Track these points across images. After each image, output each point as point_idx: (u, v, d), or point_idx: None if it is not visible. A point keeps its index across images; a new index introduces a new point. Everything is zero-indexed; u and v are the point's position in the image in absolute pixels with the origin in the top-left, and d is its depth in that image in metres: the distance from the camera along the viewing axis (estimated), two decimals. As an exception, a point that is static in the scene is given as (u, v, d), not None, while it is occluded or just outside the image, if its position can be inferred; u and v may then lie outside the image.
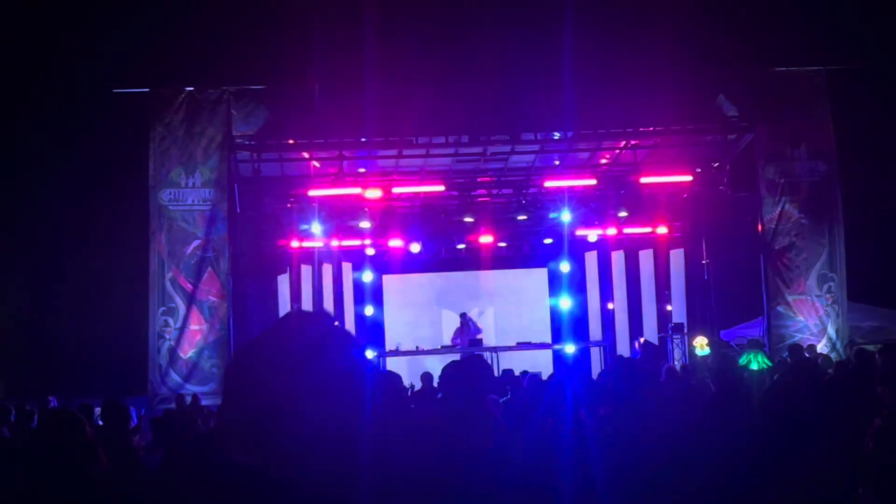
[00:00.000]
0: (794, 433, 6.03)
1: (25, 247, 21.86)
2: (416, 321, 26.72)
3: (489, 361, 22.29)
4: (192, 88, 19.22)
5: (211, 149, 19.15)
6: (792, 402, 6.32)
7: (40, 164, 21.14)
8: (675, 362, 21.90)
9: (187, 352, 18.73)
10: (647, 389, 7.23)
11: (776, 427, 6.15)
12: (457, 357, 23.04)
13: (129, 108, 19.27)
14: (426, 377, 16.49)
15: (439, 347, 24.25)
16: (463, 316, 24.92)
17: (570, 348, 24.45)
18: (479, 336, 24.07)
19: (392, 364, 24.58)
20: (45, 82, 20.08)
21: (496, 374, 21.11)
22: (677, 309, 24.53)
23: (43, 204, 21.74)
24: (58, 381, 20.70)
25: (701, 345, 20.67)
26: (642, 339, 23.73)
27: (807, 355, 16.28)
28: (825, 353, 18.36)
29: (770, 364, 16.41)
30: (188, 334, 18.77)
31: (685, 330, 23.10)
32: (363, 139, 20.40)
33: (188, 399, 16.97)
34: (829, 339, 19.32)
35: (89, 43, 19.24)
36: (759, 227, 19.95)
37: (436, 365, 21.43)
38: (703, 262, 23.03)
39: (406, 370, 24.12)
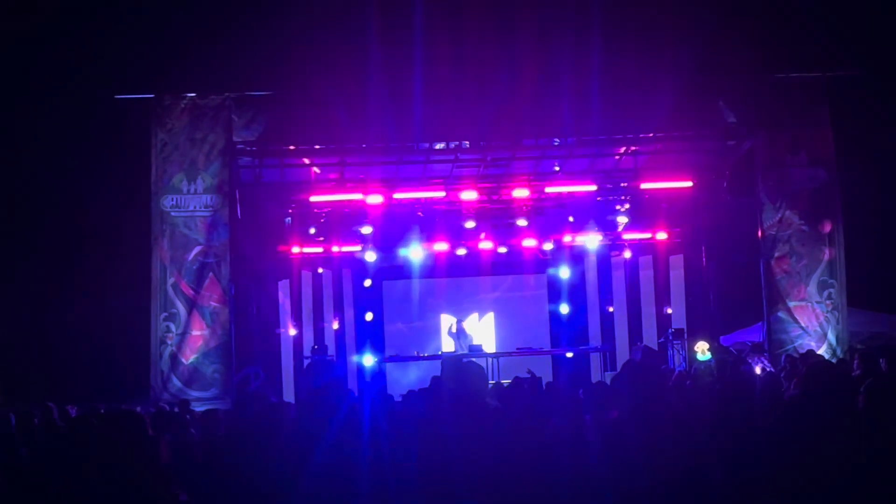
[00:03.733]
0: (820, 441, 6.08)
1: (26, 252, 21.85)
2: (416, 327, 26.77)
3: (487, 367, 22.45)
4: (193, 95, 19.28)
5: (212, 155, 19.19)
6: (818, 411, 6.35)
7: (41, 169, 21.15)
8: (676, 367, 21.94)
9: (189, 357, 18.76)
10: (659, 394, 7.26)
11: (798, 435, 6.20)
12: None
13: (131, 114, 19.31)
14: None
15: (439, 353, 24.29)
16: (458, 322, 24.95)
17: (569, 354, 24.52)
18: (471, 343, 24.12)
19: (392, 369, 24.66)
20: (47, 88, 20.09)
21: (497, 379, 21.21)
22: (677, 314, 24.56)
23: (43, 209, 21.76)
24: (58, 387, 20.70)
25: (702, 350, 20.67)
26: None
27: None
28: (826, 358, 18.40)
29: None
30: (190, 340, 18.80)
31: (685, 335, 23.14)
32: (364, 145, 20.44)
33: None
34: (830, 345, 19.36)
35: (91, 48, 19.27)
36: (759, 234, 19.98)
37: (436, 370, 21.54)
38: (703, 266, 23.10)
39: (406, 375, 24.17)
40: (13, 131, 20.40)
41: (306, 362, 23.11)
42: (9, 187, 21.07)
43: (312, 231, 22.37)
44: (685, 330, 23.35)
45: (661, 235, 24.04)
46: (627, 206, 22.75)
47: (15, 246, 21.64)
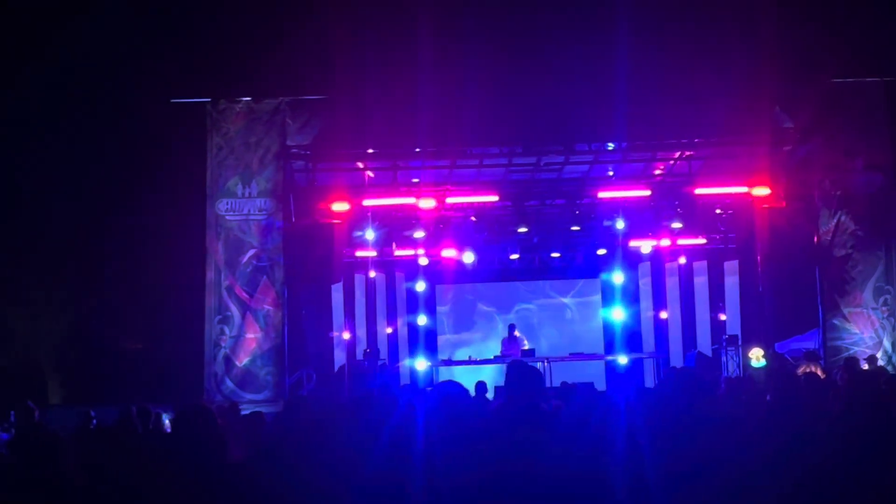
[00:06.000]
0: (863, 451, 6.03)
1: (85, 254, 22.09)
2: (469, 331, 26.77)
3: (542, 372, 22.36)
4: (248, 99, 19.44)
5: (267, 159, 19.35)
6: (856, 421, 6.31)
7: (99, 172, 21.36)
8: (730, 374, 21.77)
9: (242, 360, 18.91)
10: (704, 401, 7.22)
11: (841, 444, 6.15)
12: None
13: (188, 119, 19.48)
14: (479, 386, 16.51)
15: (492, 357, 24.24)
16: (510, 328, 24.84)
17: (623, 360, 24.36)
18: (524, 348, 23.97)
19: (444, 374, 24.63)
20: (105, 92, 20.30)
21: (549, 384, 21.13)
22: (731, 320, 24.36)
23: (101, 212, 21.97)
24: (114, 388, 20.91)
25: (757, 356, 20.51)
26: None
27: (865, 367, 16.17)
28: (881, 365, 18.24)
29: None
30: (244, 342, 18.94)
31: (739, 342, 22.95)
32: (417, 149, 20.49)
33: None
34: (885, 352, 19.16)
35: (148, 53, 19.46)
36: (815, 239, 19.81)
37: (488, 374, 21.53)
38: (758, 272, 22.89)
39: (458, 380, 24.15)
40: (72, 136, 20.62)
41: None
42: (65, 190, 21.30)
43: (370, 235, 22.32)
44: (739, 336, 23.17)
45: (716, 241, 23.87)
46: (681, 210, 22.56)
47: (73, 248, 21.87)
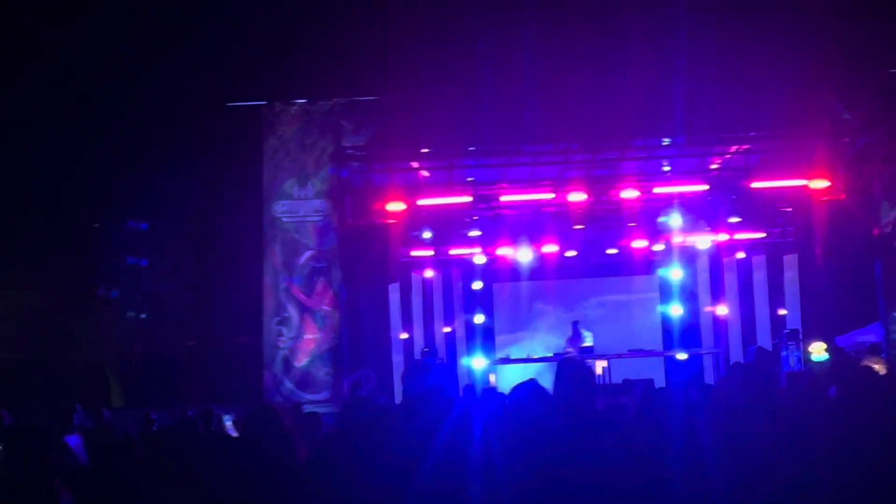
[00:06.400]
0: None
1: (142, 259, 22.31)
2: (526, 329, 26.70)
3: (593, 369, 22.23)
4: (303, 101, 19.53)
5: (322, 160, 19.44)
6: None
7: (155, 176, 21.56)
8: (791, 368, 21.56)
9: (301, 360, 19.00)
10: (769, 397, 7.15)
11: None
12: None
13: (244, 122, 19.60)
14: None
15: (550, 355, 24.16)
16: (574, 325, 24.76)
17: (682, 355, 24.18)
18: (583, 344, 23.88)
19: (501, 372, 24.63)
20: (162, 96, 20.45)
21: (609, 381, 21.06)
22: (791, 315, 24.13)
23: (157, 216, 22.18)
24: (174, 389, 21.10)
25: (819, 351, 20.29)
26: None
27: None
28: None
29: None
30: (302, 343, 19.04)
31: (800, 336, 22.72)
32: (472, 148, 20.49)
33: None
34: (948, 345, 18.91)
35: (204, 57, 19.59)
36: (875, 232, 19.57)
37: (545, 372, 21.47)
38: (818, 266, 22.66)
39: (515, 378, 24.10)
40: (129, 141, 20.80)
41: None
42: (127, 195, 21.50)
43: (428, 235, 22.38)
44: (800, 331, 22.94)
45: (774, 235, 23.67)
46: (739, 205, 22.38)
47: (132, 254, 22.09)
